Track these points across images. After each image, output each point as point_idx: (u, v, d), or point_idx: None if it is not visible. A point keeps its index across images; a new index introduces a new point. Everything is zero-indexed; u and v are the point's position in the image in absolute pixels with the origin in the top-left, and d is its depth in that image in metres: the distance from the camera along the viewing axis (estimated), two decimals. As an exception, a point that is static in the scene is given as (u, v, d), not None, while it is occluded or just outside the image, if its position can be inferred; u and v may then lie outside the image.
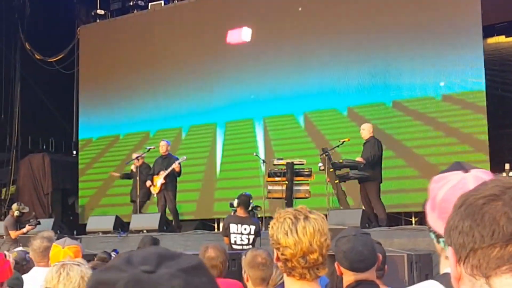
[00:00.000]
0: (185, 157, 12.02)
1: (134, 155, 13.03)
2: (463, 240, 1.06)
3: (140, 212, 12.73)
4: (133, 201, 12.99)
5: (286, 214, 2.33)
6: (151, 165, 12.43)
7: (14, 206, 11.75)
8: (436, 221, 1.69)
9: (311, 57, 14.35)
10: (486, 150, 11.99)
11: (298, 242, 2.26)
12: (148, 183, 12.00)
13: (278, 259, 2.33)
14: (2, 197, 15.75)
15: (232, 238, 8.69)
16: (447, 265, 1.68)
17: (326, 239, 2.31)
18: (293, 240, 2.27)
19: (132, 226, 11.78)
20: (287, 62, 14.63)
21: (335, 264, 3.09)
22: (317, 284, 2.36)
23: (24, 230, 11.41)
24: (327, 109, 14.19)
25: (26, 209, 11.85)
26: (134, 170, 12.81)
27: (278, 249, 2.31)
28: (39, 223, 11.73)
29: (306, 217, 2.31)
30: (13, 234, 11.31)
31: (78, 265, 3.02)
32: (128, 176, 13.26)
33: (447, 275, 1.63)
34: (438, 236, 1.69)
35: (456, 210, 1.10)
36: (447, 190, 1.67)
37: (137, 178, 12.39)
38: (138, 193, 12.52)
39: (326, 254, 2.32)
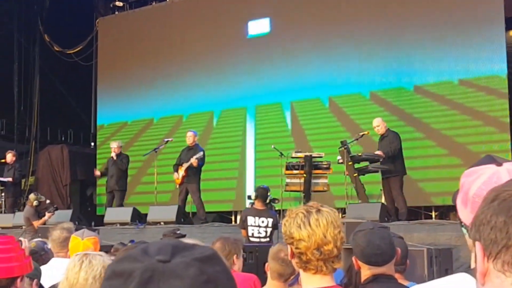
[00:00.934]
0: (201, 153, 11.91)
1: (114, 144, 13.02)
2: (496, 236, 1.03)
3: (121, 203, 12.77)
4: (110, 192, 13.02)
5: (297, 210, 2.33)
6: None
7: (32, 196, 11.82)
8: (469, 216, 1.63)
9: (331, 45, 14.31)
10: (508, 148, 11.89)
11: (312, 234, 2.25)
12: (175, 175, 11.98)
13: (292, 255, 2.32)
14: (21, 188, 15.83)
15: (250, 230, 8.66)
16: None
17: (340, 231, 2.29)
18: (307, 232, 2.25)
19: (149, 218, 11.78)
20: (307, 51, 14.59)
21: (353, 258, 3.07)
22: (333, 278, 2.34)
23: (46, 217, 11.53)
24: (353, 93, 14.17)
25: (43, 198, 11.94)
26: (115, 158, 12.81)
27: (292, 243, 2.29)
28: (56, 209, 11.88)
29: (318, 210, 2.30)
30: (36, 223, 11.40)
31: (101, 255, 3.04)
32: (106, 166, 13.28)
33: None
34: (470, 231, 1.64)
35: (487, 205, 1.06)
36: (480, 184, 1.62)
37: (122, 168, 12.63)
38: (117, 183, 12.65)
39: (341, 246, 2.30)
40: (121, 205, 12.91)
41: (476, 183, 1.62)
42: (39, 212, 11.68)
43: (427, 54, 13.09)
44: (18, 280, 3.03)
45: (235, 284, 1.00)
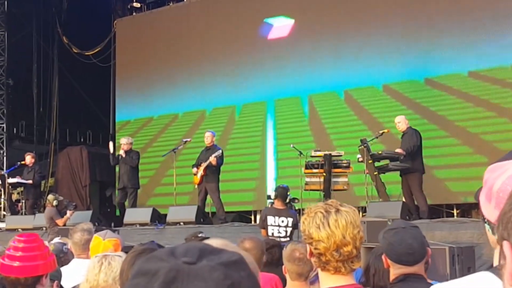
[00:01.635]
0: (220, 151, 11.86)
1: (124, 140, 12.95)
2: None
3: (134, 201, 12.73)
4: (121, 188, 12.90)
5: (316, 209, 2.30)
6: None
7: (50, 196, 11.90)
8: (493, 212, 1.59)
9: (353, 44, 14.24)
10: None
11: (331, 235, 2.24)
12: (194, 170, 11.93)
13: (311, 254, 2.31)
14: (41, 190, 15.91)
15: (270, 230, 8.62)
16: None
17: (359, 231, 2.28)
18: (326, 233, 2.24)
19: (169, 218, 11.77)
20: (326, 53, 14.52)
21: (383, 257, 3.04)
22: (352, 277, 2.33)
23: (68, 215, 11.60)
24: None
25: (61, 198, 12.03)
26: (124, 155, 12.71)
27: (311, 243, 2.29)
28: (76, 206, 12.00)
29: (337, 210, 2.28)
30: (60, 222, 11.45)
31: (120, 256, 3.04)
32: (117, 160, 13.13)
33: None
34: (494, 228, 1.59)
35: None
36: (505, 179, 1.56)
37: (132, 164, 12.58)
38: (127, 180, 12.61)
39: (360, 246, 2.29)
40: (135, 203, 12.85)
41: (501, 178, 1.57)
42: (59, 211, 11.75)
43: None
44: (43, 277, 3.04)
45: None
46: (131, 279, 0.97)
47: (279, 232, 8.59)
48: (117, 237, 4.35)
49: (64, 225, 11.34)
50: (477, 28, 12.80)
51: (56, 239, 6.83)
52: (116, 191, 13.74)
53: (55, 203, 11.64)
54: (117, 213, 15.32)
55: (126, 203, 12.94)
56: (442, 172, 12.43)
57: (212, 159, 11.59)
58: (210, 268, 0.94)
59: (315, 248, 2.27)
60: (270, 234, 8.58)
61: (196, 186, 12.06)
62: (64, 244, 5.29)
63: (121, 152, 12.80)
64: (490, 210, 1.60)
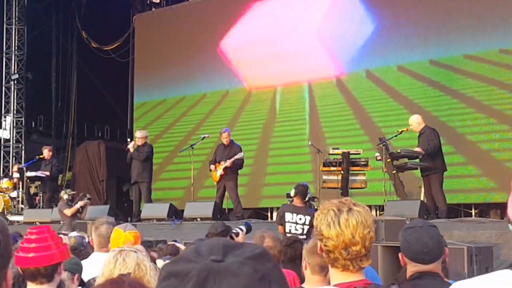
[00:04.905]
0: (242, 154, 11.84)
1: (138, 134, 12.86)
2: None
3: (148, 195, 12.68)
4: (134, 183, 12.85)
5: (330, 206, 2.34)
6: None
7: (62, 192, 12.09)
8: None
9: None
10: None
11: (340, 234, 2.28)
12: (212, 167, 11.94)
13: (321, 250, 2.36)
14: (59, 183, 15.98)
15: (287, 227, 8.62)
16: None
17: (369, 231, 2.31)
18: (335, 232, 2.29)
19: (186, 214, 11.78)
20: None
21: (399, 255, 3.08)
22: (362, 274, 2.36)
23: (77, 205, 11.64)
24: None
25: (72, 192, 12.16)
26: (132, 150, 12.63)
27: (321, 240, 2.34)
28: (90, 198, 12.02)
29: (349, 209, 2.32)
30: (68, 212, 11.51)
31: (135, 251, 3.10)
32: (131, 156, 12.97)
33: None
34: None
35: None
36: None
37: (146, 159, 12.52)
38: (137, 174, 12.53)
39: (369, 246, 2.32)
40: (149, 197, 12.82)
41: None
42: (70, 206, 11.82)
43: None
44: (59, 266, 3.09)
45: (285, 279, 1.05)
46: (161, 281, 1.00)
47: (296, 230, 8.58)
48: (137, 230, 4.38)
49: (78, 216, 11.42)
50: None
51: (74, 233, 6.89)
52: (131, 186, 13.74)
53: (65, 197, 11.80)
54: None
55: (142, 203, 12.92)
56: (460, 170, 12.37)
57: (229, 164, 11.62)
58: (239, 263, 0.97)
59: (325, 245, 2.32)
60: (287, 231, 8.58)
61: (215, 183, 12.08)
62: (83, 237, 5.34)
63: (130, 147, 12.73)
64: None
